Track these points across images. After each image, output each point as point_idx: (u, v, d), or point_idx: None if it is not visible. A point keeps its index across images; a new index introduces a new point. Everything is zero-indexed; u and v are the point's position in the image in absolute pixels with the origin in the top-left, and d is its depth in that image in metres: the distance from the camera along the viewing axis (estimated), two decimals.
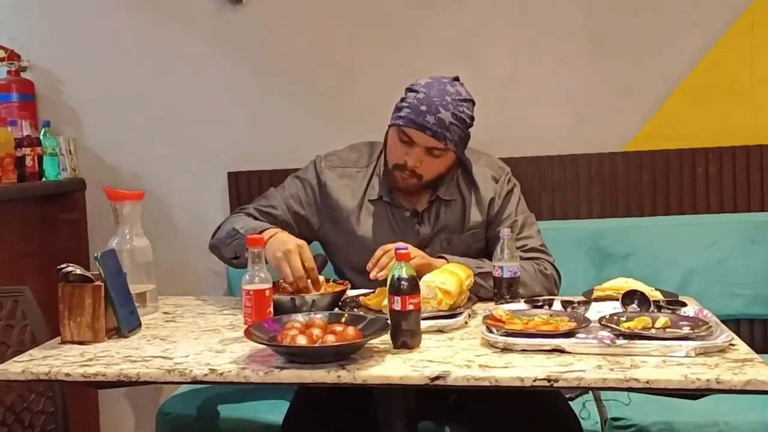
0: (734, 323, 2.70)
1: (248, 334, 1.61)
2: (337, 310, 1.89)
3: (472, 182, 2.22)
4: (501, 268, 1.96)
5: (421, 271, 1.89)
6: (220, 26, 3.17)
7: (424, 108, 2.05)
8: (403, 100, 2.13)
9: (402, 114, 2.09)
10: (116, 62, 3.25)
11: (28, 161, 2.96)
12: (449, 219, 2.20)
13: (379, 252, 1.97)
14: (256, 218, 2.19)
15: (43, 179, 3.04)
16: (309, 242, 2.19)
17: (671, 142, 2.96)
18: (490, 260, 2.08)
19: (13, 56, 3.21)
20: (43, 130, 3.06)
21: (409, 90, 2.13)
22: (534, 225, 2.26)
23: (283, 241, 1.97)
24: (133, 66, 3.25)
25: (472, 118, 2.13)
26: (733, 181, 2.92)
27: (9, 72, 3.21)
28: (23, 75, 3.24)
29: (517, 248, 2.05)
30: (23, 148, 2.94)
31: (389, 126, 2.16)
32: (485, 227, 2.22)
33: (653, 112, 2.98)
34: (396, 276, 1.60)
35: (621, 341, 1.55)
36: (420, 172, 2.11)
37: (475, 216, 2.20)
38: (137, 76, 3.25)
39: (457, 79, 2.15)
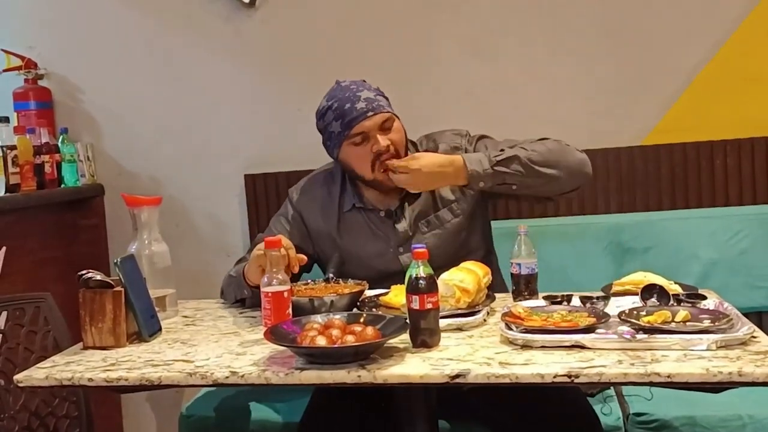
0: (756, 316, 2.68)
1: (268, 336, 1.62)
2: (355, 310, 1.89)
3: None
4: (519, 264, 1.96)
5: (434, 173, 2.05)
6: (234, 31, 3.18)
7: (348, 105, 2.10)
8: (326, 128, 2.15)
9: (339, 130, 2.12)
10: (132, 68, 3.28)
11: (47, 168, 2.98)
12: (422, 206, 2.21)
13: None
14: None
15: (62, 186, 3.07)
16: (309, 269, 2.27)
17: (689, 134, 2.93)
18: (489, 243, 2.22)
19: (30, 65, 3.24)
20: (61, 137, 3.09)
21: (322, 117, 2.16)
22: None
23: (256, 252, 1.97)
24: (148, 71, 3.27)
25: (378, 89, 2.19)
26: (752, 172, 2.89)
27: (26, 80, 3.24)
28: (40, 83, 3.27)
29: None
30: (42, 156, 2.96)
31: (338, 152, 2.17)
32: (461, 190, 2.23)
33: (670, 105, 2.96)
34: (414, 275, 1.60)
35: (641, 336, 1.54)
36: (395, 148, 2.13)
37: (446, 193, 2.22)
38: (153, 82, 3.27)
39: (339, 80, 2.20)
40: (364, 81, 2.20)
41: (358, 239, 2.22)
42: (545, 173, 2.09)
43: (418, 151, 2.26)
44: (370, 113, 2.09)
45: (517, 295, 1.96)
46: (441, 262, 1.95)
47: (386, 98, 2.18)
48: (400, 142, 2.16)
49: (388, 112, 2.13)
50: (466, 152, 2.20)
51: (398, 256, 2.18)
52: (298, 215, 2.28)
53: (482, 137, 2.28)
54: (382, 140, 2.11)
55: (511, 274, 1.99)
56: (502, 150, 2.11)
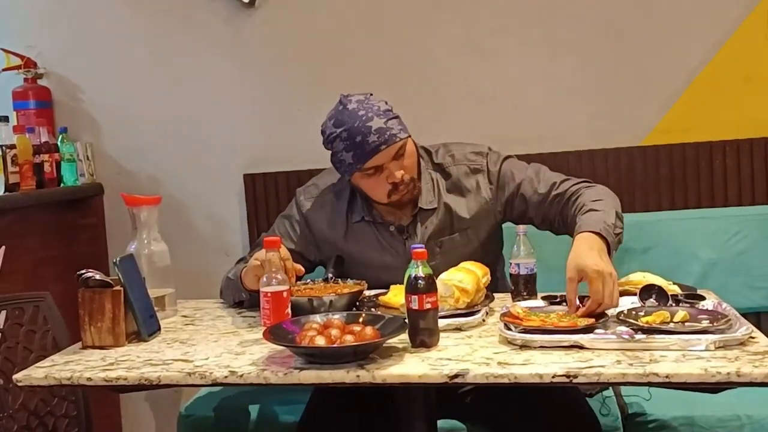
0: (755, 316, 2.69)
1: (267, 335, 1.62)
2: (354, 310, 1.89)
3: (454, 185, 2.19)
4: (518, 264, 1.96)
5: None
6: (234, 30, 3.18)
7: (359, 138, 2.02)
8: (335, 153, 2.10)
9: (350, 161, 2.06)
10: (131, 68, 3.28)
11: (47, 167, 2.98)
12: (437, 225, 2.17)
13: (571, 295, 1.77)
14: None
15: (62, 185, 3.07)
16: (312, 269, 2.26)
17: (688, 135, 2.93)
18: (498, 257, 2.16)
19: (29, 64, 3.24)
20: (60, 136, 3.09)
21: (330, 141, 2.09)
22: (548, 171, 2.19)
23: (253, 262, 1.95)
24: (148, 71, 3.27)
25: (386, 103, 2.11)
26: (751, 173, 2.89)
27: (26, 80, 3.24)
28: (40, 82, 3.27)
29: (563, 201, 2.06)
30: (41, 155, 2.96)
31: (349, 179, 2.14)
32: (494, 214, 2.19)
33: (669, 106, 2.96)
34: (413, 275, 1.60)
35: (640, 336, 1.55)
36: (408, 176, 2.09)
37: (463, 214, 2.17)
38: (152, 81, 3.27)
39: (345, 96, 2.11)
40: (371, 96, 2.11)
41: (366, 251, 2.19)
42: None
43: (430, 156, 2.23)
44: (383, 147, 2.03)
45: (516, 296, 1.96)
46: None
47: (395, 117, 2.10)
48: (412, 166, 2.12)
49: (400, 139, 2.06)
50: (488, 173, 2.18)
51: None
52: (303, 220, 2.25)
53: (507, 158, 2.22)
54: (397, 172, 2.06)
55: (510, 274, 1.99)
56: (612, 221, 1.94)
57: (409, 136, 2.12)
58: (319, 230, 2.23)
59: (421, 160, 2.21)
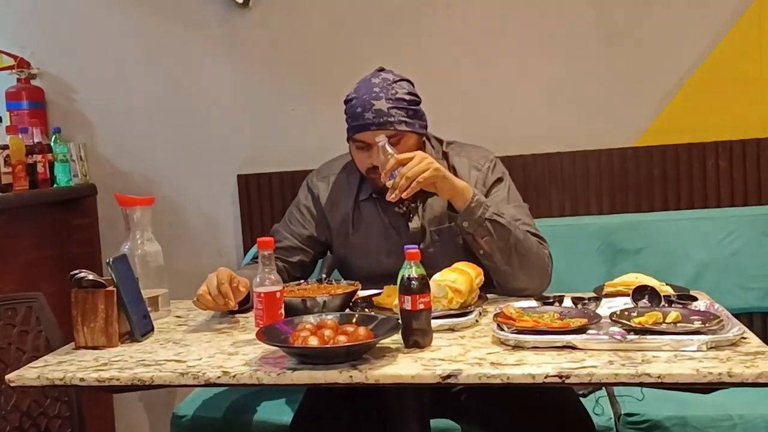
0: (747, 317, 2.70)
1: (260, 336, 1.62)
2: (348, 310, 1.89)
3: (453, 173, 2.18)
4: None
5: (436, 184, 1.98)
6: (228, 30, 3.18)
7: (359, 110, 2.09)
8: (345, 112, 2.16)
9: (348, 126, 2.14)
10: (125, 68, 3.28)
11: (40, 168, 2.98)
12: (435, 212, 2.19)
13: (392, 163, 1.97)
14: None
15: (55, 185, 3.07)
16: (323, 254, 2.30)
17: (681, 136, 2.94)
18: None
19: (23, 64, 3.23)
20: (53, 136, 3.08)
21: (345, 101, 2.16)
22: (530, 216, 2.20)
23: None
24: (142, 71, 3.27)
25: (413, 94, 2.15)
26: (744, 174, 2.90)
27: (19, 80, 3.24)
28: (33, 82, 3.27)
29: None
30: (34, 155, 2.96)
31: (348, 139, 2.19)
32: None
33: (663, 107, 2.97)
34: (406, 275, 1.60)
35: (632, 336, 1.55)
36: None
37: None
38: (146, 82, 3.27)
39: (381, 69, 2.19)
40: (403, 81, 2.15)
41: (369, 230, 2.20)
42: (514, 263, 2.02)
43: (441, 145, 2.27)
44: (373, 128, 2.07)
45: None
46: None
47: (411, 108, 2.12)
48: None
49: (394, 129, 2.07)
50: (485, 177, 2.20)
51: None
52: (313, 201, 2.27)
53: (499, 180, 2.22)
54: (376, 158, 2.07)
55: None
56: (502, 214, 2.04)
57: (414, 133, 2.13)
58: (329, 211, 2.25)
59: (431, 148, 2.24)
